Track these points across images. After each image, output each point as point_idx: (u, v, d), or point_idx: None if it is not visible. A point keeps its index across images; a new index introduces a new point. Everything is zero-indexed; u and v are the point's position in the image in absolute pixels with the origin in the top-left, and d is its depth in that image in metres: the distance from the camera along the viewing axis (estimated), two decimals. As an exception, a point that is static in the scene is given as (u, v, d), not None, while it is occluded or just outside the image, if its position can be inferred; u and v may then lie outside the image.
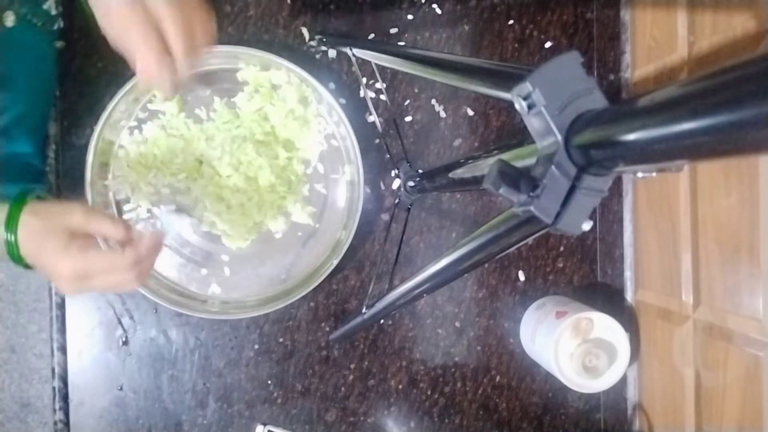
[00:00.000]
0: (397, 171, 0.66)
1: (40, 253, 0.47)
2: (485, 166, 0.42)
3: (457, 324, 0.69)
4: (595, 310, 0.61)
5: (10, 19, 0.55)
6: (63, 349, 0.65)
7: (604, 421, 0.70)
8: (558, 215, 0.29)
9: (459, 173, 0.48)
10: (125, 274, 0.47)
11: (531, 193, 0.28)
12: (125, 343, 0.66)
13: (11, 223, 0.46)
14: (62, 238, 0.46)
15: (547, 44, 0.69)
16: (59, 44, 0.63)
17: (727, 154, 0.20)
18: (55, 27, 0.62)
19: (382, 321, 0.68)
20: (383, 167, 0.68)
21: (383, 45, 0.64)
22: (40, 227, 0.47)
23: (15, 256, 0.47)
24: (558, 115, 0.28)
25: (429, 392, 0.69)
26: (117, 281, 0.48)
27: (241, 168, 0.62)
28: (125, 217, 0.64)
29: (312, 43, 0.66)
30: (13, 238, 0.47)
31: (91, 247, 0.48)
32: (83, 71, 0.65)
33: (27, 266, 0.48)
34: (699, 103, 0.20)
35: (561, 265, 0.70)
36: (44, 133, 0.65)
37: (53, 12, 0.62)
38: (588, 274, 0.70)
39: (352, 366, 0.68)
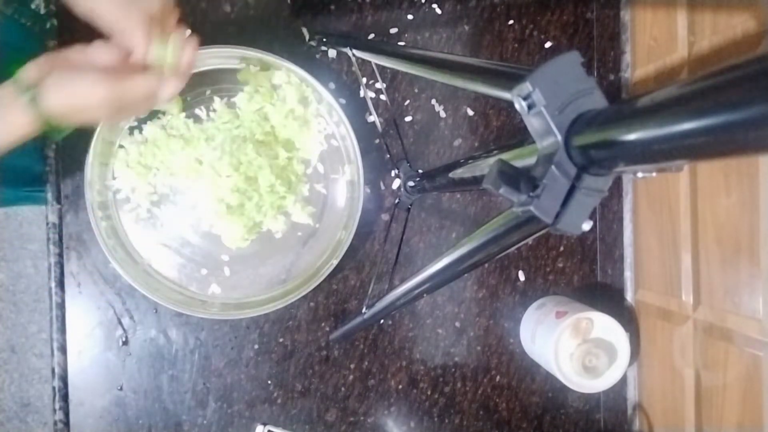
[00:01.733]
0: (397, 171, 0.66)
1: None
2: (485, 166, 0.42)
3: (457, 324, 0.69)
4: (595, 310, 0.61)
5: None
6: (63, 349, 0.65)
7: (604, 421, 0.70)
8: (558, 215, 0.29)
9: (459, 173, 0.48)
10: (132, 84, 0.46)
11: (531, 193, 0.28)
12: (125, 343, 0.66)
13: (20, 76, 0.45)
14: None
15: (547, 44, 0.69)
16: (52, 44, 0.63)
17: (727, 154, 0.20)
18: (47, 26, 0.62)
19: (382, 321, 0.68)
20: (383, 167, 0.68)
21: (383, 45, 0.64)
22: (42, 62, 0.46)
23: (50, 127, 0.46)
24: (558, 115, 0.28)
25: (429, 392, 0.69)
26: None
27: (241, 168, 0.62)
28: (125, 217, 0.64)
29: (312, 43, 0.66)
30: (33, 91, 0.44)
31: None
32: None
33: (58, 130, 0.47)
34: (699, 103, 0.20)
35: (561, 265, 0.70)
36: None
37: (42, 11, 0.61)
38: (588, 274, 0.70)
39: (352, 366, 0.68)
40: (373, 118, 0.66)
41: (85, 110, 0.46)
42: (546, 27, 0.69)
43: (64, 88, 0.45)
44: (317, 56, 0.67)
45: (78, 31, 0.64)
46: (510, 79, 0.30)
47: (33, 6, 0.60)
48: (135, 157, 0.63)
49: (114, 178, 0.64)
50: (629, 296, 0.71)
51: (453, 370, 0.69)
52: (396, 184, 0.68)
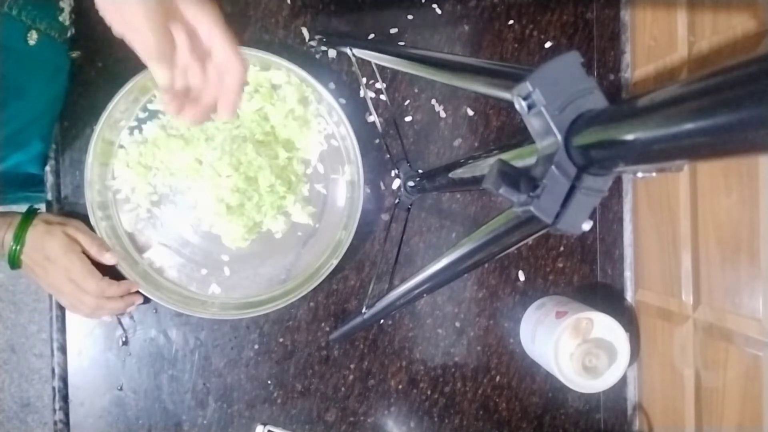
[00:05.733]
0: (397, 171, 0.66)
1: (42, 246, 0.57)
2: (485, 166, 0.42)
3: (457, 324, 0.69)
4: (595, 310, 0.61)
5: (33, 38, 0.57)
6: (63, 349, 0.65)
7: (604, 421, 0.70)
8: (558, 215, 0.29)
9: (459, 173, 0.48)
10: (85, 297, 0.58)
11: (531, 193, 0.28)
12: (125, 343, 0.66)
13: (19, 235, 0.57)
14: (63, 240, 0.57)
15: (547, 44, 0.69)
16: (75, 54, 0.63)
17: (727, 154, 0.20)
18: (68, 35, 0.63)
19: (382, 321, 0.68)
20: (383, 167, 0.68)
21: (383, 45, 0.64)
22: (45, 230, 0.57)
23: (13, 259, 0.58)
24: (558, 115, 0.28)
25: (429, 392, 0.69)
26: (79, 298, 0.59)
27: (241, 168, 0.62)
28: (125, 217, 0.64)
29: (312, 43, 0.66)
30: (17, 248, 0.57)
31: (81, 259, 0.58)
32: (83, 71, 0.65)
33: (17, 267, 0.59)
34: (699, 103, 0.20)
35: (561, 265, 0.70)
36: (51, 139, 0.65)
37: (67, 23, 0.62)
38: (588, 274, 0.70)
39: (352, 366, 0.68)
40: (373, 118, 0.66)
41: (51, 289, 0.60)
42: (546, 27, 0.69)
43: (58, 279, 0.58)
44: (317, 56, 0.67)
45: (85, 33, 0.64)
46: (510, 79, 0.30)
47: (60, 19, 0.61)
48: (135, 157, 0.63)
49: (114, 178, 0.64)
50: (629, 296, 0.71)
51: (453, 370, 0.69)
52: (396, 184, 0.68)
